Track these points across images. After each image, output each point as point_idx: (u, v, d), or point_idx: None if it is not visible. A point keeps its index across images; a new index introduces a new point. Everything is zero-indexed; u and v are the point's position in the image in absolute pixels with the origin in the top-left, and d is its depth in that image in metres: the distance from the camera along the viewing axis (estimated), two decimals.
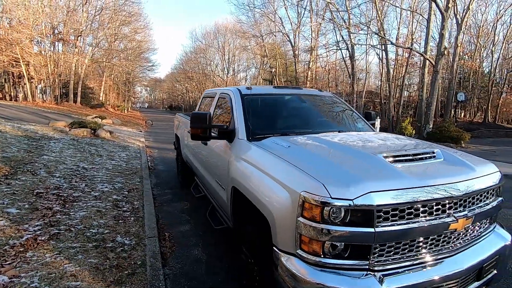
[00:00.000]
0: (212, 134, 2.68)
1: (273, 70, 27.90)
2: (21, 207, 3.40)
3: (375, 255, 1.56)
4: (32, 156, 5.53)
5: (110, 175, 5.37)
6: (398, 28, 23.81)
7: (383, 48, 20.78)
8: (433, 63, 15.03)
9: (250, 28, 29.90)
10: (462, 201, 1.70)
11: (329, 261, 1.55)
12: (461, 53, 23.79)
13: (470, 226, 1.80)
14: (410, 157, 1.89)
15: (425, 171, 1.78)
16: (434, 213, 1.62)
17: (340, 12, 20.62)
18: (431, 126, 15.10)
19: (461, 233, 1.76)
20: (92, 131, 9.45)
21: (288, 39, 26.79)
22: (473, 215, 1.73)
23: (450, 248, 1.72)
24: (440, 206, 1.63)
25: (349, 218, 1.51)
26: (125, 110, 34.16)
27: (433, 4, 15.13)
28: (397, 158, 1.84)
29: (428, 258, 1.65)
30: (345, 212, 1.51)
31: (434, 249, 1.67)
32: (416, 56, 21.99)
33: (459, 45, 18.23)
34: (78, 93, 23.64)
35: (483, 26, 25.43)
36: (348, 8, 19.72)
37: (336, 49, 23.39)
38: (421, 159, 1.91)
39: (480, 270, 1.78)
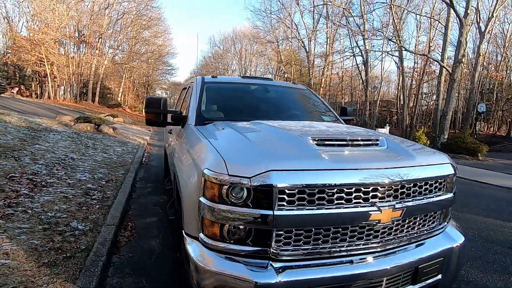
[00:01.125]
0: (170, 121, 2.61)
1: (286, 76, 27.82)
2: None
3: (279, 243, 1.39)
4: (24, 145, 5.69)
5: (96, 166, 5.42)
6: (417, 36, 23.14)
7: (398, 54, 20.19)
8: (450, 71, 14.37)
9: (266, 33, 30.11)
10: (391, 190, 1.50)
11: (228, 247, 1.40)
12: (484, 63, 22.69)
13: (406, 221, 1.58)
14: (344, 143, 1.70)
15: (354, 156, 1.59)
16: (353, 200, 1.43)
17: (355, 18, 20.30)
18: (446, 136, 14.36)
19: (393, 228, 1.55)
20: (96, 126, 9.69)
21: (303, 45, 26.69)
22: (404, 208, 1.51)
23: (379, 243, 1.51)
24: (361, 194, 1.44)
25: (251, 199, 1.36)
26: (142, 111, 35.18)
27: (452, 11, 14.55)
28: (326, 142, 1.66)
29: (347, 251, 1.46)
30: (247, 192, 1.36)
31: (355, 242, 1.47)
32: (434, 64, 21.19)
33: (481, 54, 17.39)
34: (96, 92, 24.60)
35: (511, 36, 24.16)
36: (364, 14, 19.37)
37: (350, 55, 23.02)
38: (359, 145, 1.72)
39: (416, 272, 1.56)
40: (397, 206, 1.49)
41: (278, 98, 3.06)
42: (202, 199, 1.43)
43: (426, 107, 28.20)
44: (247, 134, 1.81)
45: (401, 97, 22.22)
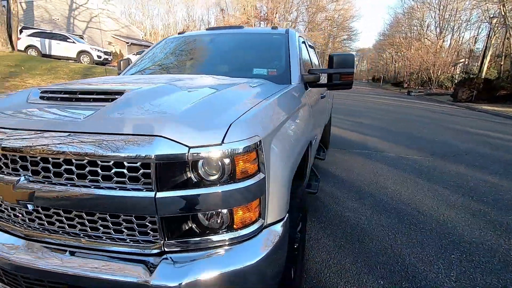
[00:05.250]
0: None
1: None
2: None
3: None
4: None
5: None
6: None
7: None
8: None
9: None
10: (31, 161, 1.00)
11: None
12: None
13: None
14: (72, 96, 1.23)
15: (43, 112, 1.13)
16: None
17: None
18: None
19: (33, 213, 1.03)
20: None
21: None
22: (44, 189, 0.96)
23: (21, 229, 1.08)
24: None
25: None
26: None
27: None
28: (52, 95, 1.27)
29: None
30: None
31: None
32: None
33: None
34: None
35: None
36: None
37: None
38: (87, 100, 1.19)
39: None
40: (25, 182, 0.98)
41: (221, 50, 2.39)
42: None
43: None
44: None
45: None
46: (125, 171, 0.91)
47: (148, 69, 2.36)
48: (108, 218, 0.97)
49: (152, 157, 0.88)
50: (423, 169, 4.27)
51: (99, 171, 0.94)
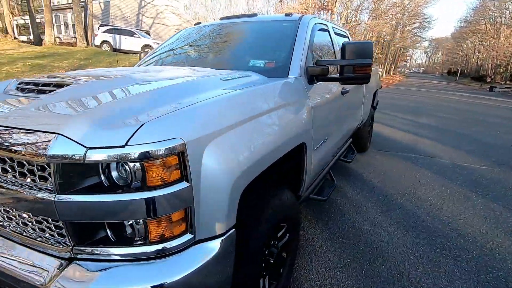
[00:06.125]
0: None
1: None
2: None
3: None
4: None
5: None
6: None
7: None
8: None
9: None
10: None
11: None
12: None
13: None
14: (36, 87, 1.23)
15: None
16: None
17: None
18: None
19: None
20: None
21: None
22: None
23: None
24: None
25: None
26: (384, 74, 33.33)
27: None
28: (26, 86, 1.30)
29: None
30: None
31: None
32: None
33: None
34: None
35: None
36: None
37: None
38: (39, 91, 1.17)
39: None
40: None
41: (223, 40, 2.21)
42: None
43: None
44: None
45: None
46: (25, 170, 0.86)
47: (160, 60, 2.34)
48: (24, 215, 0.94)
49: (50, 156, 0.80)
50: (482, 181, 3.54)
51: (6, 167, 0.90)
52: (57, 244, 0.91)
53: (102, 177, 0.85)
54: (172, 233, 0.91)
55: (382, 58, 41.14)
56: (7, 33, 12.24)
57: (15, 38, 12.39)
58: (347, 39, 3.30)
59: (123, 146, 0.80)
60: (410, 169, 3.90)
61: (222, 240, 1.00)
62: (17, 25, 24.29)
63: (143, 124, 0.84)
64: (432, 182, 3.47)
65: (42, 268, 0.89)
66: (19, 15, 26.11)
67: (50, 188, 0.84)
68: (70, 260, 0.90)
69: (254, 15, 2.44)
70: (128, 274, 0.87)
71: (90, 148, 0.79)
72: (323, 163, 2.22)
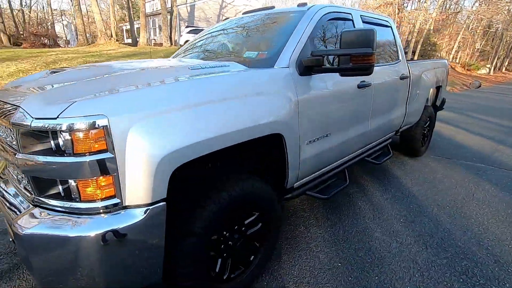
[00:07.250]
0: None
1: None
2: None
3: None
4: None
5: None
6: None
7: None
8: None
9: None
10: None
11: None
12: None
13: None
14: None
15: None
16: None
17: None
18: None
19: None
20: None
21: None
22: None
23: None
24: None
25: None
26: (491, 71, 28.10)
27: None
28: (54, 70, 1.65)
29: None
30: None
31: None
32: None
33: None
34: (416, 51, 23.54)
35: None
36: None
37: None
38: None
39: None
40: None
41: (231, 33, 2.26)
42: None
43: None
44: None
45: None
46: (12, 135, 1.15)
47: (189, 52, 2.58)
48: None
49: (12, 123, 1.06)
50: None
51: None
52: (27, 192, 1.18)
53: (52, 144, 1.07)
54: (100, 196, 1.07)
55: (492, 51, 34.37)
56: (112, 36, 14.97)
57: (117, 40, 15.03)
58: (388, 29, 2.98)
59: (55, 118, 1.00)
60: (469, 180, 3.30)
61: (148, 209, 1.12)
62: (126, 30, 29.04)
63: (74, 102, 1.02)
64: (491, 198, 2.87)
65: (18, 208, 1.18)
66: (128, 22, 31.14)
67: (15, 148, 1.10)
68: (35, 206, 1.16)
69: (272, 7, 2.45)
70: (63, 224, 1.07)
71: (36, 119, 1.01)
72: (325, 159, 2.11)
